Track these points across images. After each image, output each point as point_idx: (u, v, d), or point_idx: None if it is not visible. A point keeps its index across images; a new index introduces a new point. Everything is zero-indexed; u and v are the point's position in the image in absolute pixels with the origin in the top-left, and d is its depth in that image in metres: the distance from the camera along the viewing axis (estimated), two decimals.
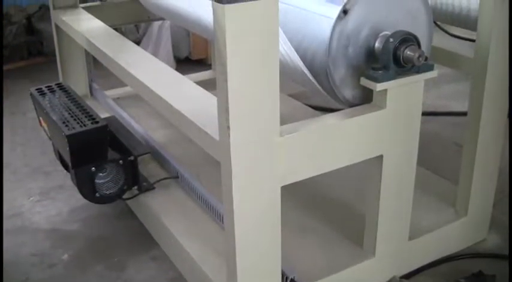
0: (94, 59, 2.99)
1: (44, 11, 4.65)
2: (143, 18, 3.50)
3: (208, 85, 2.15)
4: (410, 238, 2.19)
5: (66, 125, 2.27)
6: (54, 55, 3.43)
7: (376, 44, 1.85)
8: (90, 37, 2.74)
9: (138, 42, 4.49)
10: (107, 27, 2.90)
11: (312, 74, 1.83)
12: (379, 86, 1.81)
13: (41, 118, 2.60)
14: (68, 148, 2.22)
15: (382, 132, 1.90)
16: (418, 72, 1.87)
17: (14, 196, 2.88)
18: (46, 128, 2.56)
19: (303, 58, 1.83)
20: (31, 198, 2.87)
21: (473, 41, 2.13)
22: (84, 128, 2.25)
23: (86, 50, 3.22)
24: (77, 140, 2.23)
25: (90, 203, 2.45)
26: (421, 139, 2.02)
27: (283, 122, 1.69)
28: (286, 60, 1.81)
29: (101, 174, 2.36)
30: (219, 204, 2.24)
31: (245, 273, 1.77)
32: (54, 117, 2.35)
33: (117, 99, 3.40)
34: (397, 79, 1.84)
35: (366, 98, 1.92)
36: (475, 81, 2.13)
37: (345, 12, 1.80)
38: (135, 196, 2.51)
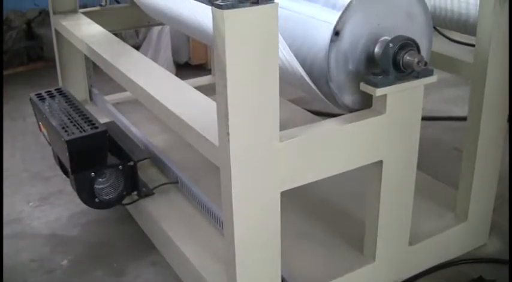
0: (94, 64, 2.99)
1: (44, 16, 4.65)
2: (143, 23, 3.51)
3: (208, 90, 2.15)
4: (411, 243, 2.18)
5: (66, 131, 2.27)
6: (54, 60, 3.43)
7: (376, 49, 1.85)
8: (90, 42, 2.74)
9: (137, 47, 4.49)
10: (107, 32, 2.90)
11: (311, 80, 1.83)
12: (379, 91, 1.81)
13: (40, 123, 2.60)
14: (67, 153, 2.22)
15: (382, 137, 1.90)
16: (417, 77, 1.86)
17: (14, 201, 2.87)
18: (46, 133, 2.55)
19: (303, 63, 1.83)
20: (30, 204, 2.87)
21: (472, 46, 2.13)
22: (83, 134, 2.25)
23: (85, 55, 3.22)
24: (77, 146, 2.22)
25: (90, 209, 2.45)
26: (421, 144, 2.01)
27: (282, 127, 1.69)
28: (285, 65, 1.81)
29: (100, 179, 2.36)
30: (218, 210, 2.23)
31: (245, 279, 1.77)
32: (54, 123, 2.34)
33: (116, 105, 3.40)
34: (396, 84, 1.83)
35: (365, 103, 1.91)
36: (475, 86, 2.13)
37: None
38: (134, 201, 2.51)
